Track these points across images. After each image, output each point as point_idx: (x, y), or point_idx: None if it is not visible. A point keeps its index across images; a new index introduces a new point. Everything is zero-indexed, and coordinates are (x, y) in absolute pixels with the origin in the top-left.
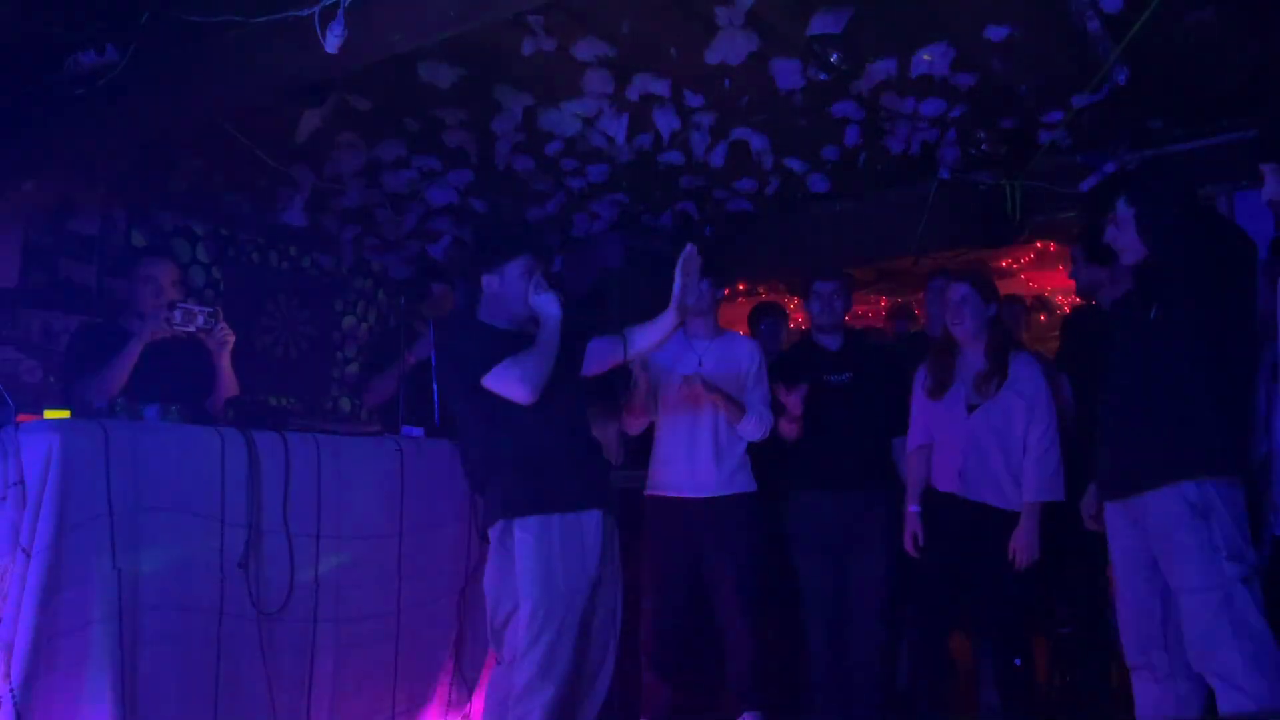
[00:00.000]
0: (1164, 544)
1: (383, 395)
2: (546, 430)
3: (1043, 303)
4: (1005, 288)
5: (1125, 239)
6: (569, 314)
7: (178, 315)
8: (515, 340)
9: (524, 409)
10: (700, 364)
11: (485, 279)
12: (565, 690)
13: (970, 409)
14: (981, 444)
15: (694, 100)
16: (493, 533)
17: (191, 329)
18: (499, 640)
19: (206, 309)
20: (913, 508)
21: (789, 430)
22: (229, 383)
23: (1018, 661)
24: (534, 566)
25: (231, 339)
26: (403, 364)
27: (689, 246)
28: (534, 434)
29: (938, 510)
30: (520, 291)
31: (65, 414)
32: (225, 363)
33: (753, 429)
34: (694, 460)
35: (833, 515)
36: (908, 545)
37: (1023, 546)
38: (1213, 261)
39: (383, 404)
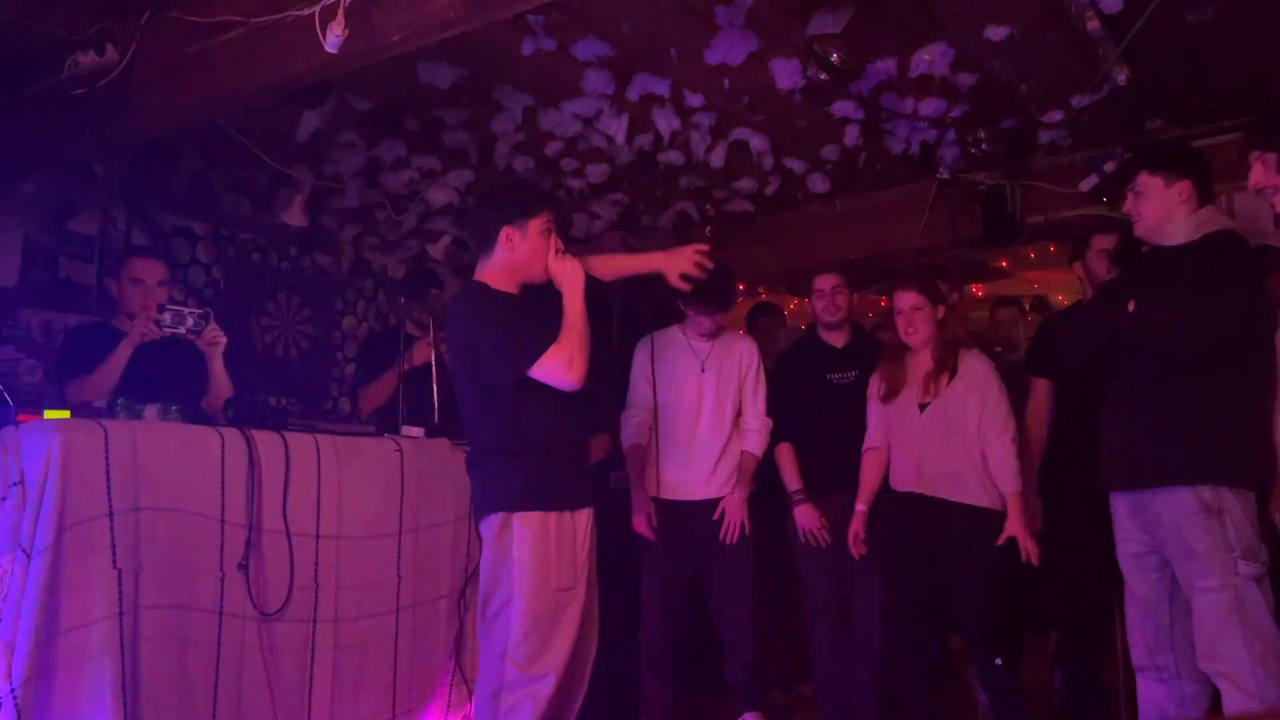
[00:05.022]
0: (1176, 543)
1: (378, 400)
2: (556, 425)
3: (1043, 303)
4: (1005, 288)
5: (1145, 205)
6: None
7: (167, 317)
8: (543, 315)
9: (539, 401)
10: (702, 369)
11: (506, 231)
12: (558, 683)
13: (922, 407)
14: (936, 440)
15: (694, 100)
16: (491, 522)
17: (181, 331)
18: (489, 631)
19: (196, 310)
20: (860, 506)
21: None
22: (222, 385)
23: (998, 660)
24: (531, 563)
25: (222, 341)
26: (399, 369)
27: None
28: (544, 428)
29: (900, 512)
30: (540, 251)
31: (65, 414)
32: (218, 365)
33: (756, 447)
34: (693, 462)
35: (835, 514)
36: (850, 540)
37: (1022, 535)
38: (1234, 260)
39: (379, 409)
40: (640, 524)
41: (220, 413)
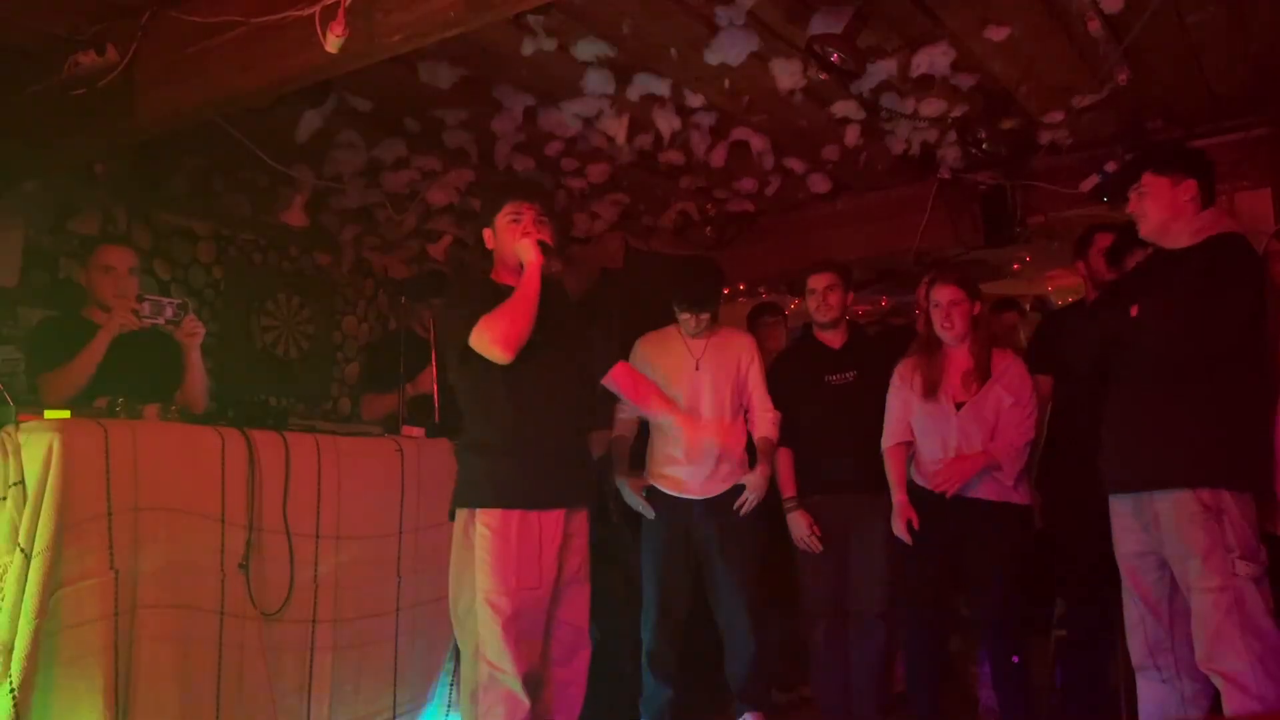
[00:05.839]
0: (1175, 543)
1: (380, 413)
2: (531, 422)
3: (1042, 303)
4: (1005, 288)
5: (1150, 205)
6: (569, 306)
7: (146, 307)
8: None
9: (504, 393)
10: (698, 366)
11: (485, 233)
12: (530, 686)
13: (958, 405)
14: (973, 439)
15: (694, 100)
16: (458, 518)
17: (160, 321)
18: (461, 630)
19: (175, 301)
20: (901, 498)
21: None
22: (199, 377)
23: (1015, 659)
24: (491, 561)
25: (201, 332)
26: (402, 391)
27: None
28: (517, 424)
29: (928, 507)
30: (508, 239)
31: (65, 414)
32: (195, 356)
33: (772, 432)
34: (694, 460)
35: (834, 516)
36: (902, 532)
37: (946, 475)
38: (1237, 263)
39: (381, 418)
40: (637, 502)
41: (197, 406)
